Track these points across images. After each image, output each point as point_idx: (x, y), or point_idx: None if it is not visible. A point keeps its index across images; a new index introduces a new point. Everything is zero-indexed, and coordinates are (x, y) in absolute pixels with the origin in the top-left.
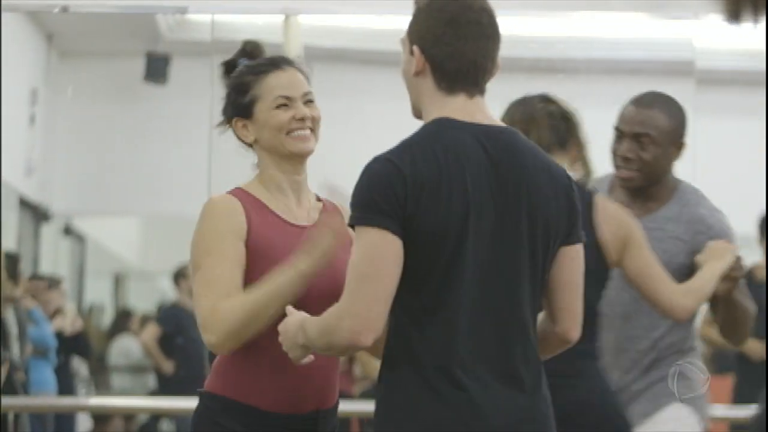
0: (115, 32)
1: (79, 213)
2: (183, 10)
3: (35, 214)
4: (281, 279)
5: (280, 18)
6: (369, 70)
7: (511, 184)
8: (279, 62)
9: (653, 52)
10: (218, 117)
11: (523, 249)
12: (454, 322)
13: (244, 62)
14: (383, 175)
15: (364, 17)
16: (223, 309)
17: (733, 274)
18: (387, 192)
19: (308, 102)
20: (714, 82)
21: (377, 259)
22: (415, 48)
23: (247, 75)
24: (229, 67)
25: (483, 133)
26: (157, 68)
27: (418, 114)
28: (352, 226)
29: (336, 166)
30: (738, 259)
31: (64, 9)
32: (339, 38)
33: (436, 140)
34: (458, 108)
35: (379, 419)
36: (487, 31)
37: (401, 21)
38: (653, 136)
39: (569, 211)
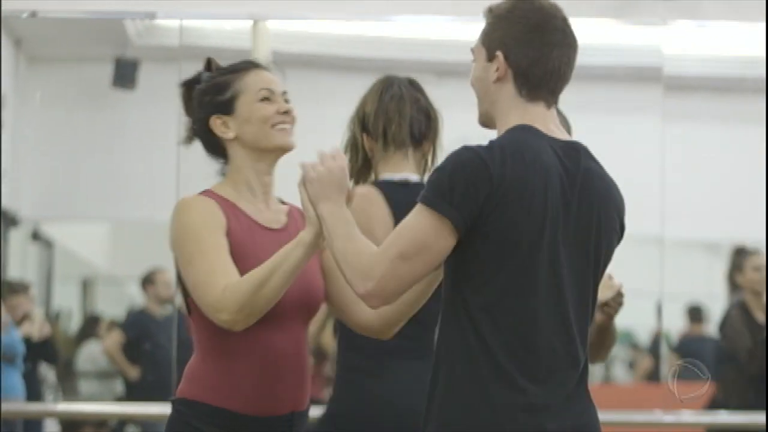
0: (84, 37)
1: (47, 218)
2: (152, 16)
3: (3, 219)
4: (284, 250)
5: (249, 23)
6: (338, 76)
7: (585, 200)
8: (255, 63)
9: (621, 58)
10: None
11: (589, 264)
12: (516, 325)
13: (207, 75)
14: (470, 168)
15: (333, 23)
16: (232, 285)
17: (610, 310)
18: (467, 185)
19: (286, 102)
20: (682, 88)
21: (423, 246)
22: (499, 53)
23: (226, 74)
24: (191, 85)
25: (560, 147)
26: (125, 74)
27: (487, 122)
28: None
29: None
30: (618, 294)
31: (33, 14)
32: (308, 43)
33: (524, 146)
34: (538, 117)
35: (441, 418)
36: (569, 40)
37: (369, 26)
38: None
39: (621, 230)
